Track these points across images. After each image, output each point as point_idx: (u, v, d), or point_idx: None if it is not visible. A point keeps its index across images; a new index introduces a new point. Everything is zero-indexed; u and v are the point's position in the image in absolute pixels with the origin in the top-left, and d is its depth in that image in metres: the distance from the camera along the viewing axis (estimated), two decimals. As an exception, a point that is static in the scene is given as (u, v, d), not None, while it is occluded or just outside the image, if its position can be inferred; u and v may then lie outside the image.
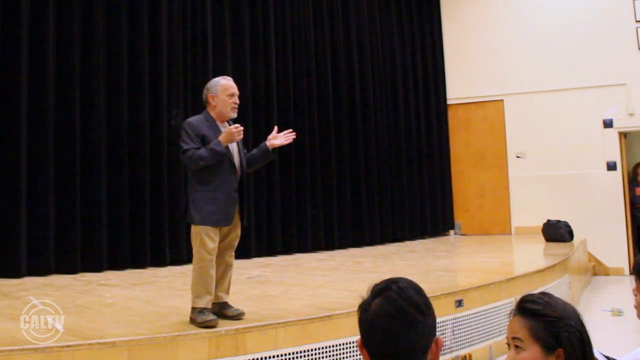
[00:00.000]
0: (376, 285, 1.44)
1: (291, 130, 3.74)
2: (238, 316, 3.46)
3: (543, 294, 1.59)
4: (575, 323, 1.50)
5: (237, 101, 3.60)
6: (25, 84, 5.67)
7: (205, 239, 3.36)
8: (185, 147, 3.40)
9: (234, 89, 3.58)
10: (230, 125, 3.49)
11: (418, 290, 1.42)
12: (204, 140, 3.43)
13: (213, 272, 3.41)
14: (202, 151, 3.38)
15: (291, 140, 3.75)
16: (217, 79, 3.63)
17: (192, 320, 3.30)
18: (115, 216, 6.17)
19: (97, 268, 5.95)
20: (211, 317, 3.28)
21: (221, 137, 3.41)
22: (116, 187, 6.22)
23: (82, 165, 6.01)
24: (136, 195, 6.35)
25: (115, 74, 6.34)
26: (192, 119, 3.55)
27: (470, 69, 10.23)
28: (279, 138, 3.70)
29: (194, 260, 3.41)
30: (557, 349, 1.47)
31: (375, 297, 1.41)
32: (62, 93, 5.94)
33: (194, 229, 3.42)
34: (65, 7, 6.01)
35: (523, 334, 1.51)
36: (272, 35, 7.93)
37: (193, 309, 3.33)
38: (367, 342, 1.38)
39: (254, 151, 3.74)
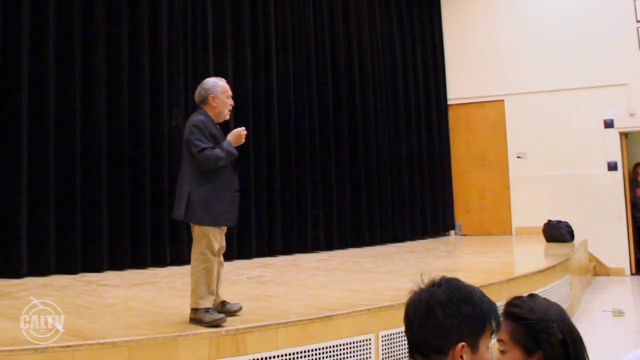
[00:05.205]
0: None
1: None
2: (239, 309, 3.55)
3: (530, 296, 1.58)
4: (558, 325, 1.48)
5: (233, 103, 3.68)
6: (26, 84, 5.67)
7: (212, 239, 3.38)
8: (203, 145, 3.40)
9: (230, 92, 3.66)
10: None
11: (456, 291, 1.42)
12: (214, 140, 3.46)
13: (216, 273, 3.44)
14: (219, 151, 3.41)
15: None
16: (213, 80, 3.65)
17: (198, 321, 3.27)
18: (116, 216, 6.17)
19: (98, 268, 5.94)
20: (219, 315, 3.29)
21: (231, 139, 3.49)
22: (116, 187, 6.21)
23: (83, 165, 6.01)
24: (136, 196, 6.34)
25: (115, 73, 6.33)
26: (202, 118, 3.52)
27: (470, 68, 10.23)
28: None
29: (197, 262, 3.39)
30: (536, 352, 1.47)
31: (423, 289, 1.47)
32: (62, 93, 5.93)
33: (201, 229, 3.40)
34: (65, 7, 6.01)
35: (505, 337, 1.52)
36: (273, 35, 7.93)
37: (196, 310, 3.32)
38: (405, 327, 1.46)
39: None
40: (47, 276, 5.57)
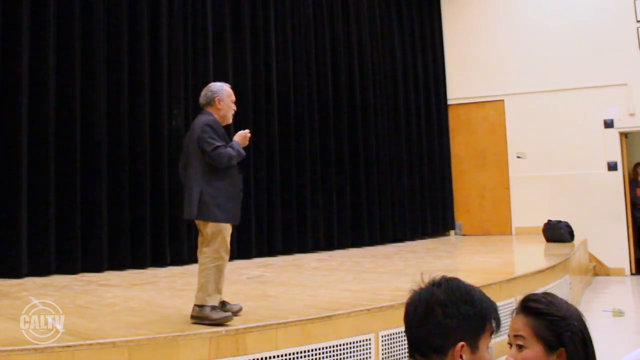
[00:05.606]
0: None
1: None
2: (239, 310, 3.56)
3: (547, 293, 1.58)
4: (578, 324, 1.50)
5: (236, 108, 3.77)
6: (26, 84, 5.66)
7: (227, 237, 3.45)
8: (217, 143, 3.47)
9: (234, 97, 3.75)
10: None
11: (456, 291, 1.43)
12: (225, 140, 3.55)
13: (225, 271, 3.49)
14: (231, 150, 3.50)
15: None
16: (219, 84, 3.74)
17: (204, 318, 3.27)
18: (116, 216, 6.17)
19: (98, 268, 5.94)
20: (226, 313, 3.31)
21: (239, 141, 3.59)
22: (117, 187, 6.21)
23: (83, 165, 6.01)
24: (137, 196, 6.34)
25: (115, 74, 6.33)
26: (214, 119, 3.60)
27: (470, 68, 10.23)
28: None
29: (208, 259, 3.41)
30: (559, 349, 1.47)
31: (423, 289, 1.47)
32: (62, 93, 5.93)
33: (216, 226, 3.43)
34: (65, 7, 6.01)
35: (526, 332, 1.51)
36: (272, 35, 7.93)
37: (202, 307, 3.32)
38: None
39: None
40: (47, 276, 5.57)
